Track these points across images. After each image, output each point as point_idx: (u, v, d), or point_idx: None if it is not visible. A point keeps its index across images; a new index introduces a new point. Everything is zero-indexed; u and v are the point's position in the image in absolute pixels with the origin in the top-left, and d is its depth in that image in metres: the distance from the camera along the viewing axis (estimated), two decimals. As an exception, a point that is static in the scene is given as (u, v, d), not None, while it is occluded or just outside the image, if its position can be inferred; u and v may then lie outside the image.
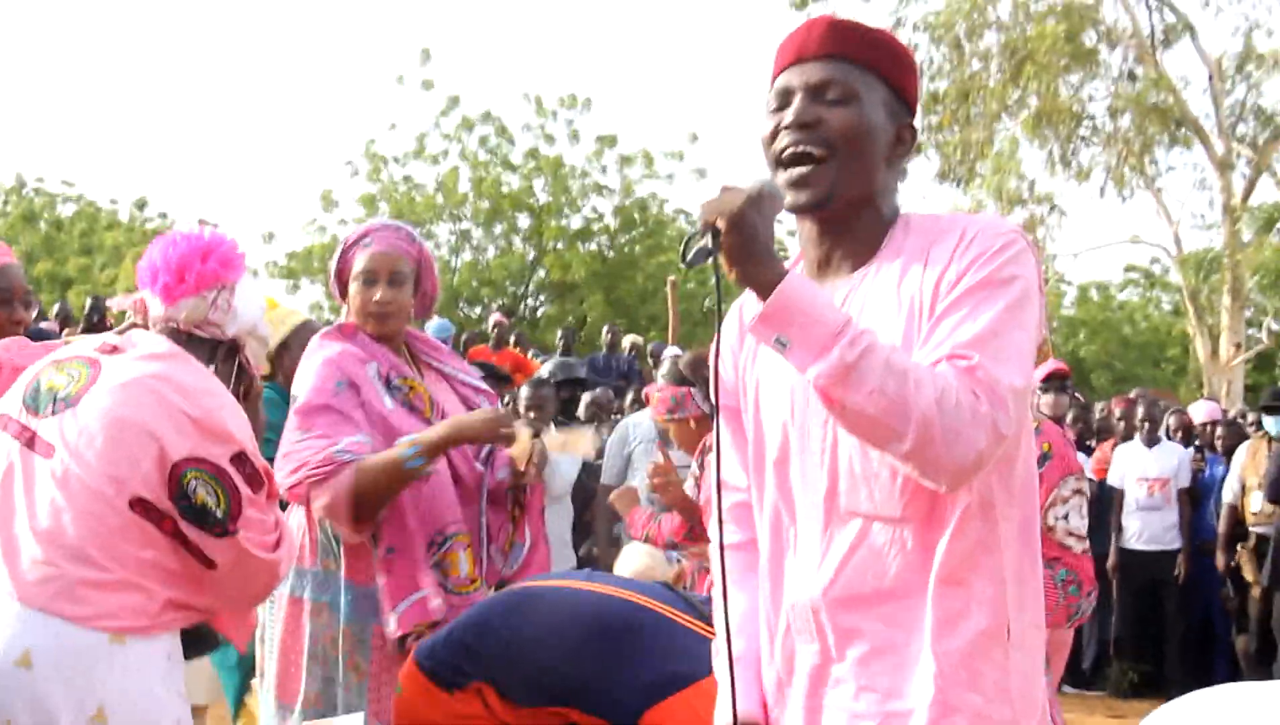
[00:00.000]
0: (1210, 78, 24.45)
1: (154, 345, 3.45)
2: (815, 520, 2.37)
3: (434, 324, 14.32)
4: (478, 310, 28.37)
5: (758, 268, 2.19)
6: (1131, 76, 24.28)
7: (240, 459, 3.31)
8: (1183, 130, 23.99)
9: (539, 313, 29.13)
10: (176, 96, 56.93)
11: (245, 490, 3.30)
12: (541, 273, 29.28)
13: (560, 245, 28.94)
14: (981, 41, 24.47)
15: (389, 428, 4.09)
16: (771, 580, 2.49)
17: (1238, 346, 23.04)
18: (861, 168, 2.36)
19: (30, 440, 3.28)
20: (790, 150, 2.36)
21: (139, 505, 3.20)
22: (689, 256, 2.26)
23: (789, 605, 2.43)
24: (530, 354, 15.00)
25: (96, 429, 3.22)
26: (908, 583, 2.29)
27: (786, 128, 2.36)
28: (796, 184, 2.35)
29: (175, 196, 60.61)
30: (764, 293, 2.18)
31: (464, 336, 16.02)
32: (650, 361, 14.50)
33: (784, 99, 2.40)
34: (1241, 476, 9.94)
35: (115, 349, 3.41)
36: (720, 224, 2.19)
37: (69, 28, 56.09)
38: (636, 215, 29.60)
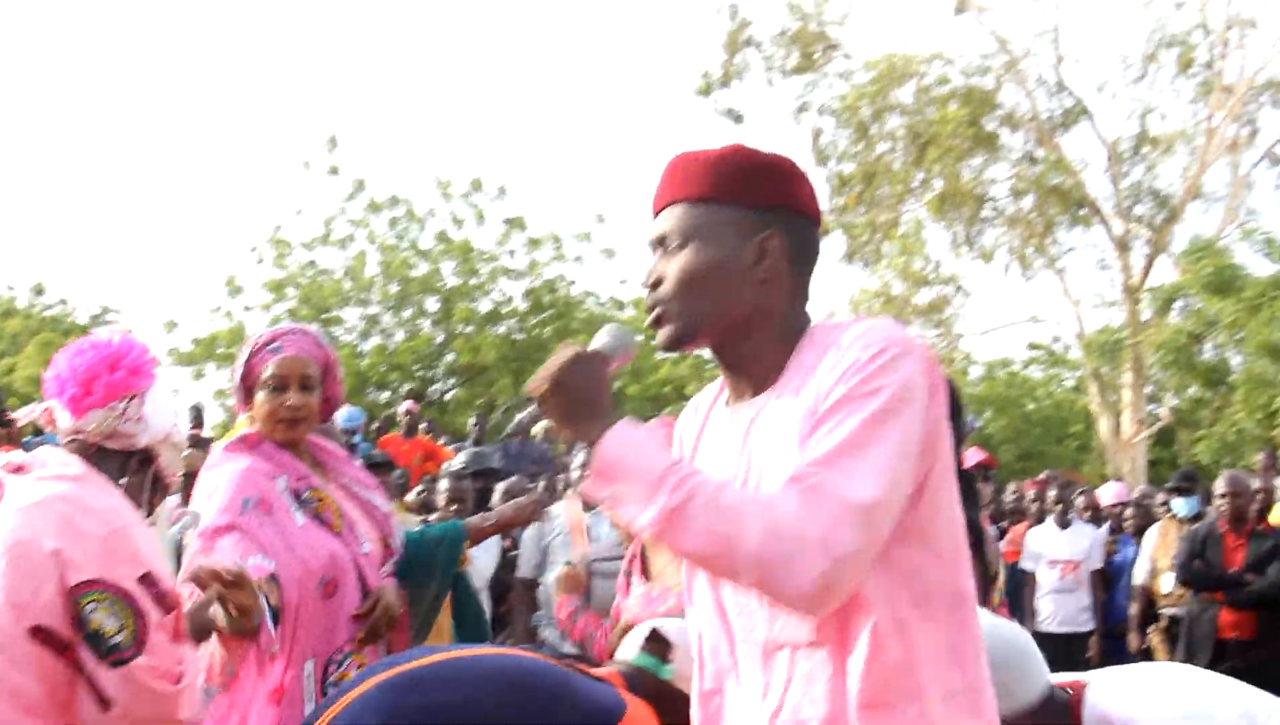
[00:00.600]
0: (1108, 160, 24.97)
1: (61, 465, 3.30)
2: (754, 649, 2.32)
3: (343, 412, 14.17)
4: (385, 395, 28.14)
5: (581, 427, 2.24)
6: (1032, 159, 24.76)
7: (148, 579, 3.15)
8: (1082, 211, 24.47)
9: (448, 397, 28.95)
10: (74, 179, 56.29)
11: (153, 613, 3.13)
12: (450, 356, 29.16)
13: (469, 329, 28.88)
14: (886, 125, 24.82)
15: (301, 545, 3.95)
16: (709, 713, 2.46)
17: (1140, 423, 23.37)
18: (710, 303, 2.33)
19: None
20: (648, 306, 2.40)
21: (39, 634, 3.03)
22: (512, 426, 2.37)
23: None
24: (442, 442, 14.86)
25: None
26: (837, 712, 2.21)
27: (645, 286, 2.41)
28: (655, 331, 2.37)
29: (74, 282, 59.75)
30: (590, 448, 2.22)
31: (374, 424, 15.84)
32: (563, 447, 14.41)
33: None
34: (1153, 558, 10.01)
35: (20, 468, 3.28)
36: (543, 389, 2.25)
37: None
38: (545, 298, 29.61)
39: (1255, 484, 9.36)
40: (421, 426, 15.07)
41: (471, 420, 15.61)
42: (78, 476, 3.27)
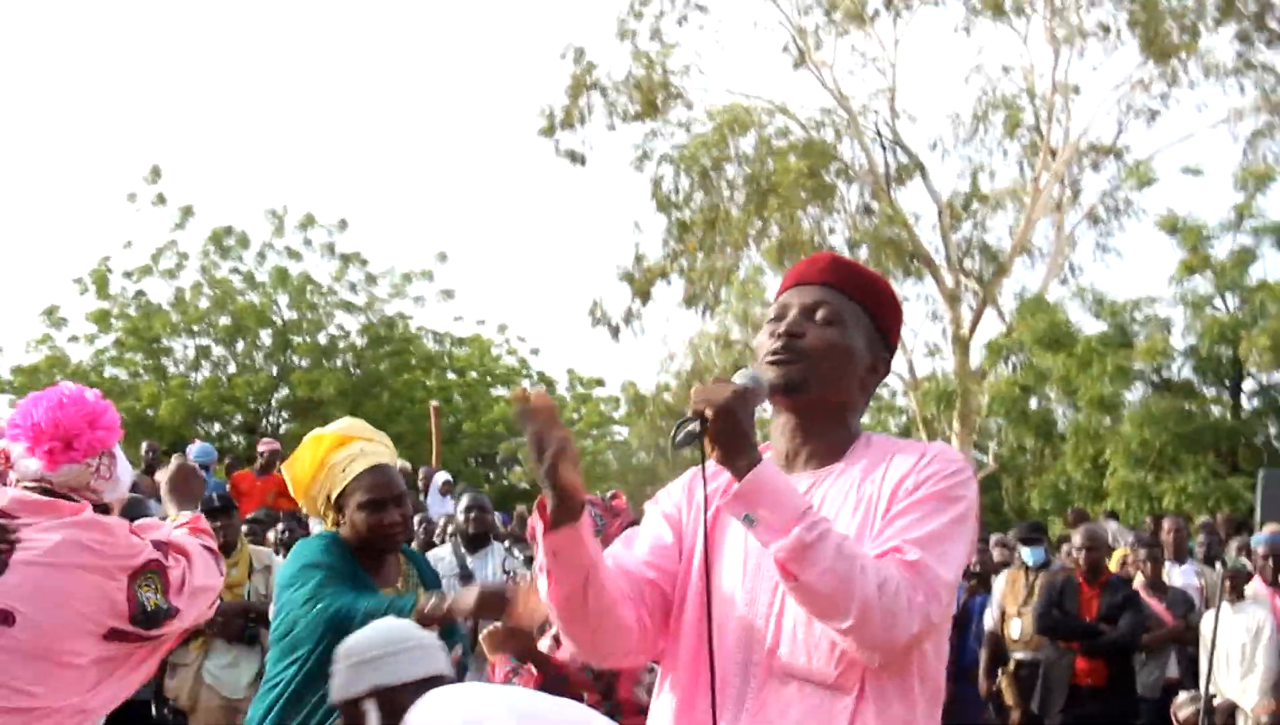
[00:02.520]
0: (939, 215, 25.43)
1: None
2: (737, 675, 2.57)
3: (195, 448, 13.86)
4: (217, 427, 27.64)
5: (737, 452, 2.47)
6: (868, 211, 25.15)
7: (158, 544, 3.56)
8: (915, 263, 24.85)
9: (281, 430, 28.49)
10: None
11: (171, 566, 3.55)
12: (284, 391, 28.74)
13: (305, 362, 28.52)
14: (726, 174, 25.00)
15: None
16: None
17: (966, 471, 23.78)
18: (835, 377, 2.67)
19: None
20: (774, 349, 2.67)
21: (115, 634, 3.47)
22: (678, 438, 2.53)
23: None
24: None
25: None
26: None
27: (777, 335, 2.68)
28: (776, 368, 2.64)
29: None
30: (740, 474, 2.45)
31: (226, 461, 15.55)
32: (419, 487, 14.25)
33: (781, 312, 2.72)
34: (1001, 604, 10.15)
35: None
36: (709, 412, 2.47)
37: None
38: (383, 332, 29.38)
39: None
40: (277, 463, 14.77)
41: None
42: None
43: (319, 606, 4.17)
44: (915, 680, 2.53)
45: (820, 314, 2.68)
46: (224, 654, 8.14)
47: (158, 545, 3.59)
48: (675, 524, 2.80)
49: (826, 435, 2.69)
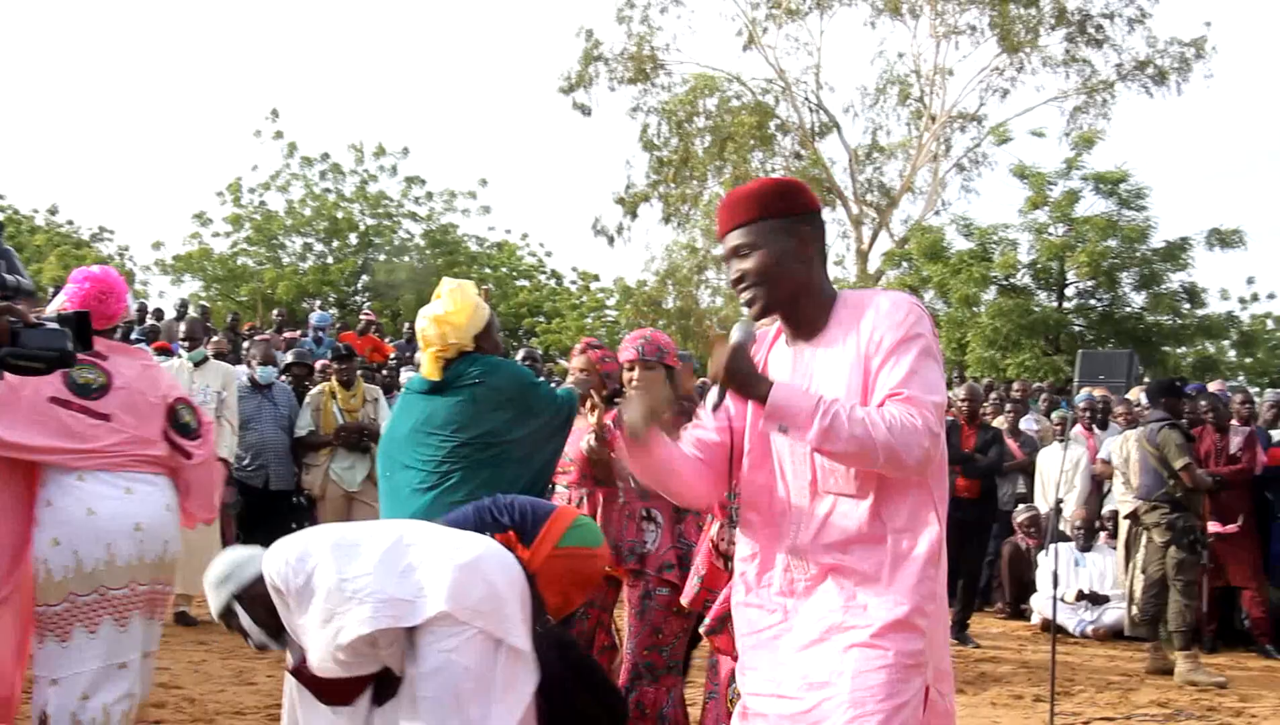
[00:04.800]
0: (849, 161, 25.40)
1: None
2: (803, 495, 2.53)
3: (316, 315, 13.86)
4: (318, 302, 27.60)
5: (752, 391, 2.44)
6: (798, 156, 25.06)
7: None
8: (830, 195, 24.82)
9: (364, 307, 28.48)
10: (82, 123, 53.39)
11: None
12: (366, 277, 28.61)
13: (381, 257, 28.43)
14: (696, 125, 24.85)
15: None
16: (769, 531, 2.59)
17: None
18: (778, 283, 2.53)
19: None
20: (740, 296, 2.60)
21: (166, 435, 3.97)
22: (712, 401, 2.54)
23: (786, 548, 2.54)
24: (386, 340, 14.66)
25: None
26: (870, 532, 2.46)
27: (732, 285, 2.62)
28: (749, 307, 2.58)
29: (80, 204, 57.13)
30: (762, 402, 2.42)
31: (336, 325, 15.59)
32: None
33: (727, 258, 2.61)
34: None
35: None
36: (722, 374, 2.45)
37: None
38: (438, 237, 29.21)
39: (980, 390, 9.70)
40: (372, 328, 14.83)
41: (407, 326, 15.42)
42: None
43: (558, 393, 4.28)
44: (928, 472, 2.44)
45: (742, 252, 2.54)
46: (345, 458, 8.24)
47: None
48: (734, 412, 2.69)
49: (808, 312, 2.55)
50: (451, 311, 4.21)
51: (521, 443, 4.11)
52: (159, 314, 16.00)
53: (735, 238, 2.55)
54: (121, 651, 3.74)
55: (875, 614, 2.41)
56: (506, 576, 3.18)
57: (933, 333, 2.47)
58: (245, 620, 3.22)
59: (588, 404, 4.46)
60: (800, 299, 2.54)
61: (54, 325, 3.02)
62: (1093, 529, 9.78)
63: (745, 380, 2.45)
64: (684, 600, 3.83)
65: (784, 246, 2.52)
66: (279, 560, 3.13)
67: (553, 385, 4.61)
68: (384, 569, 3.08)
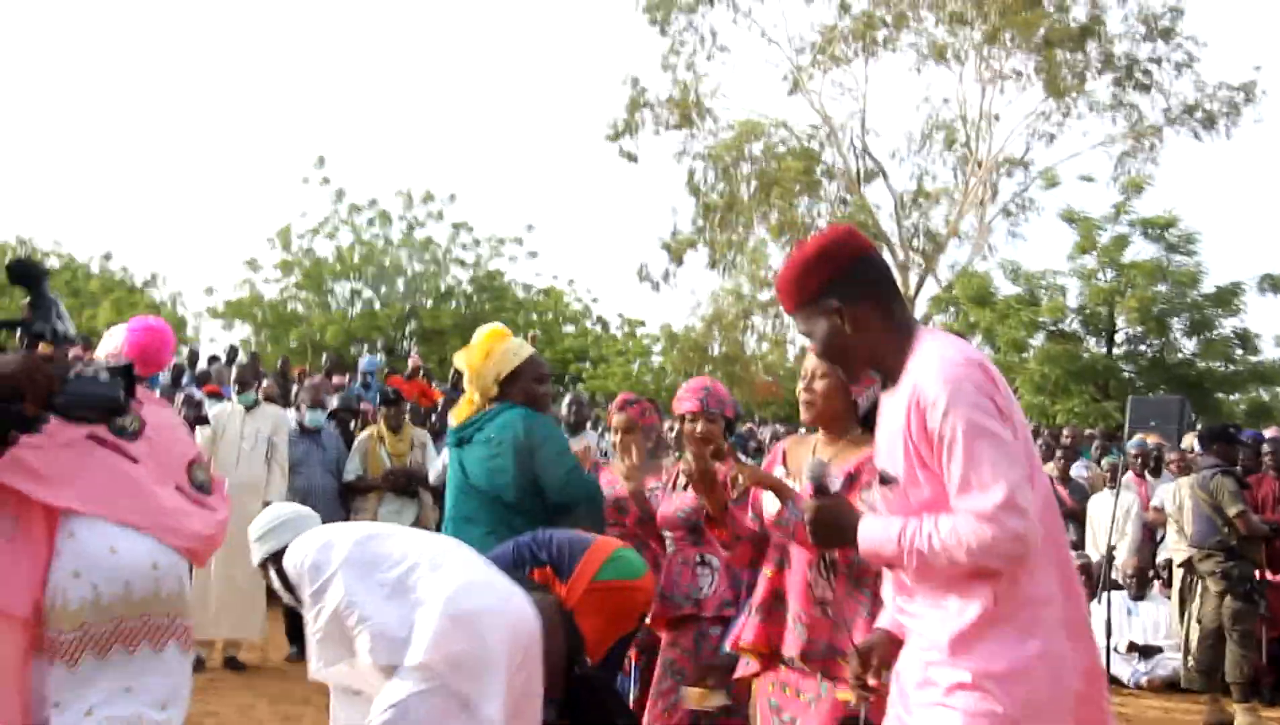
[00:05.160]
0: (895, 206, 25.36)
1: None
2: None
3: (365, 360, 13.90)
4: (365, 348, 27.89)
5: (843, 543, 2.52)
6: (844, 201, 25.04)
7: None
8: (877, 241, 24.76)
9: (411, 352, 28.78)
10: (137, 176, 54.69)
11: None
12: (414, 323, 28.87)
13: (429, 302, 28.70)
14: (741, 170, 24.94)
15: None
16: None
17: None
18: (842, 361, 2.54)
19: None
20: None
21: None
22: (825, 574, 2.81)
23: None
24: (434, 384, 14.73)
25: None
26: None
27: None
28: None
29: (132, 252, 58.46)
30: (856, 549, 2.47)
31: (385, 369, 15.69)
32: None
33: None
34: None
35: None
36: (820, 543, 2.57)
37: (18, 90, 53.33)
38: (485, 282, 29.45)
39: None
40: (420, 372, 14.89)
41: (452, 373, 15.46)
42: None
43: (582, 473, 4.18)
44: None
45: (810, 336, 2.54)
46: (392, 502, 8.21)
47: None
48: None
49: (886, 366, 2.47)
50: (470, 356, 4.28)
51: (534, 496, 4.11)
52: (212, 359, 16.21)
53: (798, 325, 2.57)
54: (128, 676, 3.80)
55: None
56: (508, 638, 3.16)
57: (979, 394, 2.28)
58: (275, 582, 3.40)
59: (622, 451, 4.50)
60: (874, 360, 2.48)
61: (105, 375, 3.12)
62: (1145, 578, 9.60)
63: (829, 536, 2.52)
64: (738, 641, 3.74)
65: (828, 327, 2.46)
66: (299, 555, 3.28)
67: (586, 470, 4.54)
68: (391, 600, 3.14)
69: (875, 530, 2.41)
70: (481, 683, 3.05)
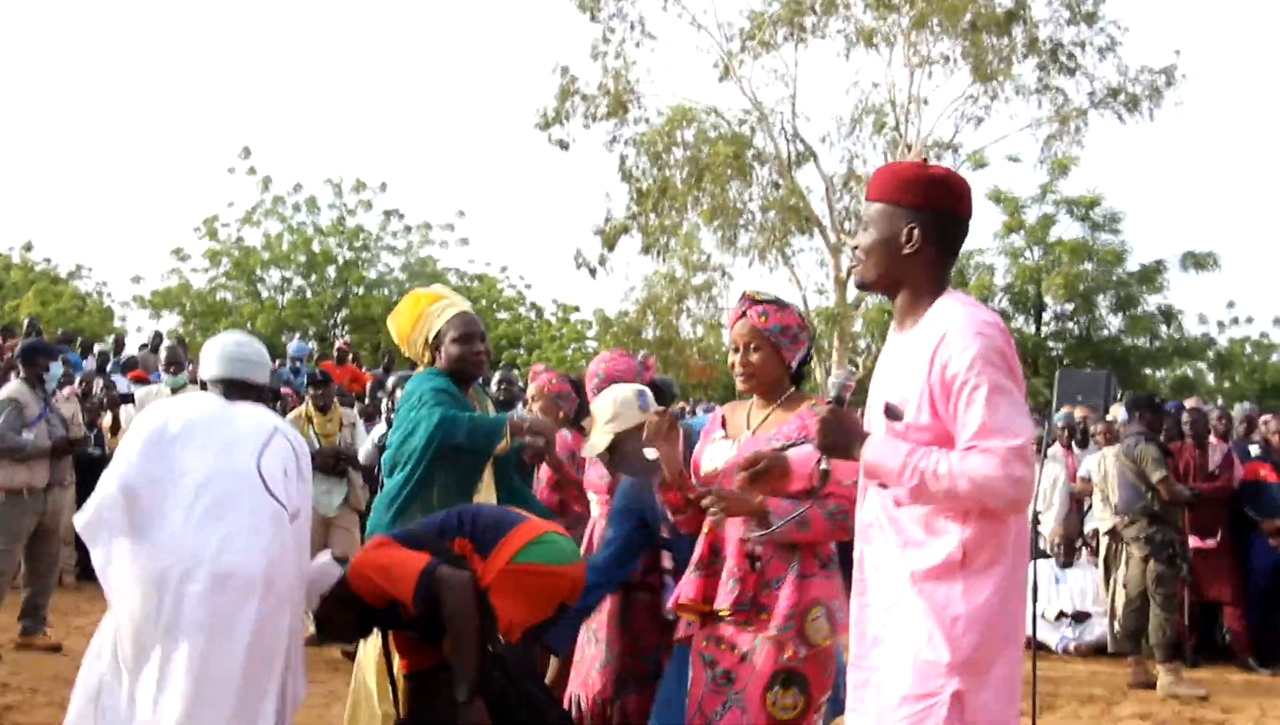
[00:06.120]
0: (826, 189, 25.48)
1: None
2: (889, 509, 2.64)
3: (294, 345, 13.78)
4: (297, 336, 27.52)
5: (849, 456, 2.58)
6: (775, 185, 25.10)
7: None
8: (808, 223, 24.91)
9: (343, 339, 28.49)
10: (57, 162, 53.23)
11: None
12: (345, 311, 28.57)
13: (360, 290, 28.42)
14: (673, 156, 24.93)
15: None
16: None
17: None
18: (876, 265, 2.62)
19: None
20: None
21: None
22: (820, 483, 2.71)
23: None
24: (365, 369, 14.66)
25: None
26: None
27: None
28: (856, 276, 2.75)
29: (56, 242, 57.06)
30: (858, 460, 2.56)
31: (316, 355, 15.58)
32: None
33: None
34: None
35: None
36: (825, 458, 2.65)
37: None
38: (416, 268, 29.18)
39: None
40: (349, 358, 14.77)
41: (383, 357, 15.40)
42: None
43: (437, 413, 3.93)
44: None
45: (863, 225, 2.66)
46: (321, 483, 8.04)
47: None
48: None
49: (905, 302, 2.62)
50: (398, 323, 4.28)
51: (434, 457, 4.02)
52: (141, 347, 15.97)
53: (863, 210, 2.66)
54: None
55: None
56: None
57: (1004, 358, 2.44)
58: None
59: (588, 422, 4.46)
60: (900, 287, 2.60)
61: None
62: (1073, 546, 9.77)
63: (843, 446, 2.57)
64: (678, 600, 3.69)
65: (891, 232, 2.57)
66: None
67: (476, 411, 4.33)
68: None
69: (883, 444, 2.52)
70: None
